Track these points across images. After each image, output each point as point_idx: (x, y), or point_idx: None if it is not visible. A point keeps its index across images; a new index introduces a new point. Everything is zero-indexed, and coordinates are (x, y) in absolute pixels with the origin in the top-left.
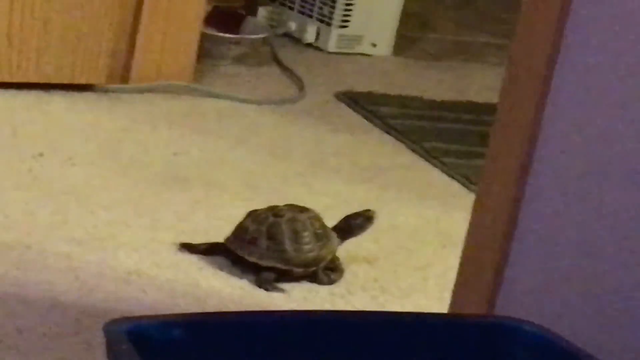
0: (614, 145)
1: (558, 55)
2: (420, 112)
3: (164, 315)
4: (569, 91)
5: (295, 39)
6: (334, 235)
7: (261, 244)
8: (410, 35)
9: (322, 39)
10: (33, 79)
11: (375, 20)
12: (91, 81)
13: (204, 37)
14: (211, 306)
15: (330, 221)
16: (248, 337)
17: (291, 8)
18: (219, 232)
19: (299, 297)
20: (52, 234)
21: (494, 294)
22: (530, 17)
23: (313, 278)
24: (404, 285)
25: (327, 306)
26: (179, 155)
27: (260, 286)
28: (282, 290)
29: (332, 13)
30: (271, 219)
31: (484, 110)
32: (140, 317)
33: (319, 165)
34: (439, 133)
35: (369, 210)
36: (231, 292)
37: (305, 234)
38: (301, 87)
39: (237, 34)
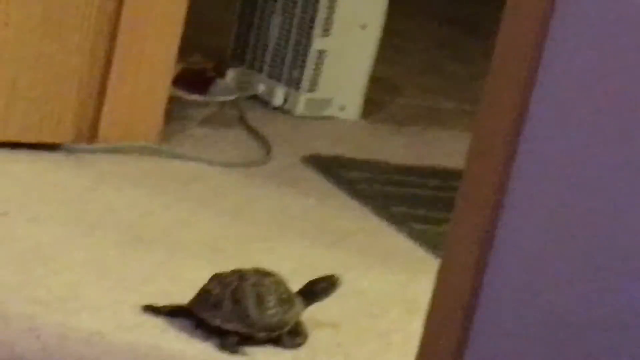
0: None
1: (524, 122)
2: (387, 177)
3: None
4: (535, 160)
5: (263, 102)
6: (298, 299)
7: (225, 307)
8: (379, 99)
9: (290, 102)
10: None
11: (343, 84)
12: (58, 140)
13: (172, 98)
14: None
15: (295, 285)
16: None
17: (260, 71)
18: (183, 295)
19: None
20: (14, 294)
21: (458, 359)
22: (496, 86)
23: (277, 342)
24: (368, 350)
25: None
26: (144, 217)
27: (223, 349)
28: (245, 354)
29: (300, 76)
30: (235, 282)
31: (451, 176)
32: None
33: (285, 228)
34: (406, 198)
35: (333, 275)
36: (194, 356)
37: (270, 298)
38: (268, 150)
39: (205, 95)
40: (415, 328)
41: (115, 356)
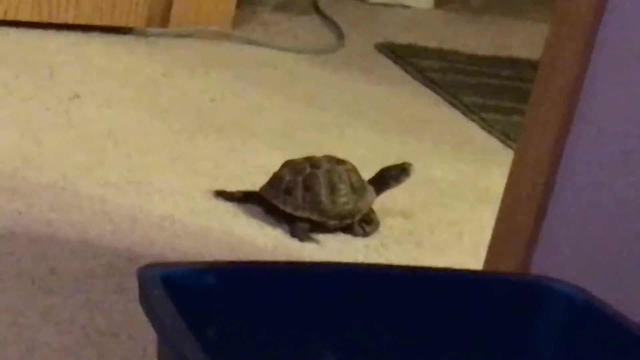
0: None
1: (604, 12)
2: (460, 66)
3: (198, 262)
4: (614, 48)
5: None
6: (370, 188)
7: (297, 195)
8: None
9: None
10: (72, 20)
11: None
12: (130, 24)
13: None
14: (244, 254)
15: (367, 173)
16: (281, 287)
17: None
18: (254, 181)
19: (332, 248)
20: (87, 177)
21: (530, 251)
22: None
23: (348, 230)
24: (439, 240)
25: (361, 258)
26: (216, 102)
27: (294, 236)
28: (316, 241)
29: None
30: (308, 169)
31: (524, 66)
32: (174, 263)
33: (356, 116)
34: (478, 88)
35: (405, 162)
36: (265, 241)
37: (342, 186)
38: (341, 37)
39: None
40: (486, 218)
41: (186, 240)
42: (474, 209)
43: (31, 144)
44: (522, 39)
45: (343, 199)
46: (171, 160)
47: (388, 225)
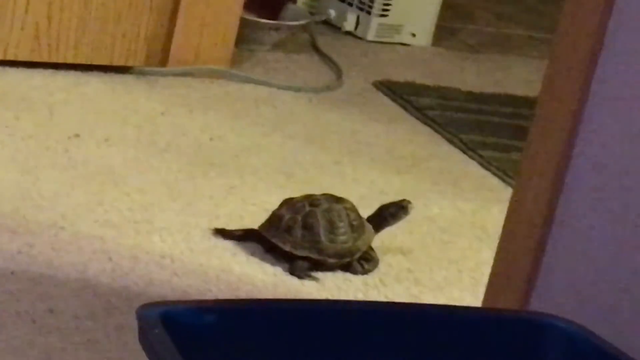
0: None
1: (601, 49)
2: (459, 104)
3: (197, 301)
4: (612, 86)
5: (334, 27)
6: (369, 226)
7: (296, 233)
8: (450, 26)
9: (361, 27)
10: (71, 59)
11: (415, 10)
12: (129, 63)
13: (243, 22)
14: (244, 292)
15: (365, 211)
16: (281, 324)
17: None
18: (254, 219)
19: (332, 286)
20: (86, 216)
21: (529, 289)
22: (573, 11)
23: (347, 268)
24: (438, 277)
25: (360, 296)
26: (215, 140)
27: (293, 274)
28: (315, 279)
29: (372, 1)
30: (307, 208)
31: (522, 104)
32: (174, 302)
33: (355, 154)
34: (477, 125)
35: (404, 200)
36: (264, 280)
37: (341, 224)
38: (339, 75)
39: (276, 20)
40: (485, 256)
41: (186, 279)
42: (472, 246)
43: (31, 183)
44: (520, 76)
45: (342, 238)
46: (170, 198)
47: (387, 262)
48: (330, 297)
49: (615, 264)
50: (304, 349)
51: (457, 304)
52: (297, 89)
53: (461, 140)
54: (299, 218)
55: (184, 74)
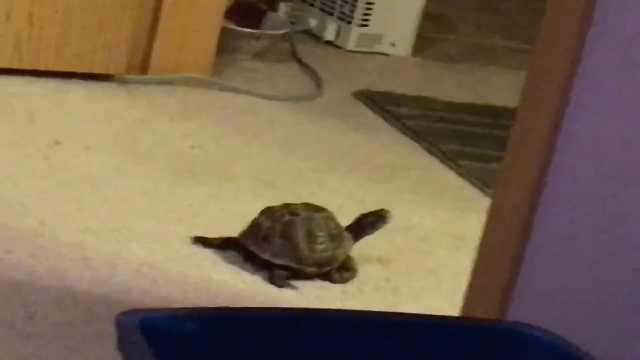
0: (633, 151)
1: (579, 61)
2: (438, 114)
3: (176, 309)
4: (590, 97)
5: (315, 36)
6: (348, 235)
7: (275, 242)
8: (430, 36)
9: (341, 37)
10: (52, 67)
11: (395, 20)
12: (110, 71)
13: (224, 31)
14: (222, 301)
15: (344, 220)
16: (259, 333)
17: (312, 5)
18: (233, 227)
19: (310, 295)
20: (66, 223)
21: (507, 298)
22: (552, 22)
23: (326, 277)
24: (416, 286)
25: (339, 305)
26: (195, 148)
27: (272, 283)
28: (294, 288)
29: (352, 11)
30: (286, 217)
31: (501, 114)
32: (152, 310)
33: (334, 163)
34: (456, 135)
35: (383, 209)
36: (243, 288)
37: (320, 234)
38: (319, 84)
39: (257, 29)
40: (463, 265)
41: (164, 286)
42: (451, 255)
43: (11, 190)
44: (500, 87)
45: (321, 247)
46: (150, 206)
47: (366, 271)
48: (308, 306)
49: (594, 274)
50: (282, 358)
51: (435, 313)
52: (278, 98)
53: (440, 150)
54: (278, 227)
55: (165, 82)
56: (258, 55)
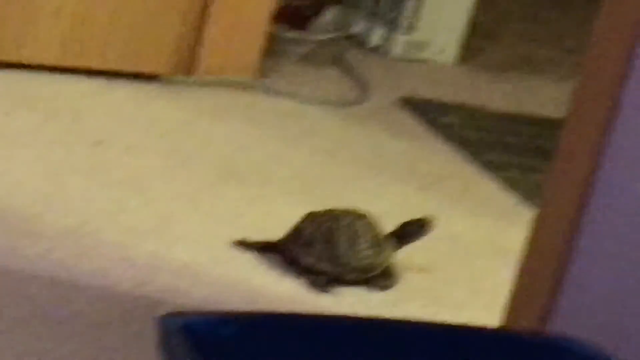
0: None
1: (630, 73)
2: (482, 123)
3: (217, 312)
4: (639, 111)
5: (360, 42)
6: (390, 242)
7: (317, 247)
8: (476, 44)
9: (387, 43)
10: (98, 66)
11: (442, 28)
12: (156, 71)
13: (270, 35)
14: (262, 304)
15: (387, 227)
16: (299, 338)
17: (358, 10)
18: (274, 231)
19: (350, 301)
20: (108, 222)
21: (548, 310)
22: (602, 34)
23: (367, 283)
24: (457, 295)
25: (378, 312)
26: (238, 151)
27: (312, 288)
28: (334, 294)
29: (399, 18)
30: (329, 222)
31: (546, 125)
32: (194, 312)
33: (378, 170)
34: (500, 145)
35: (426, 217)
36: (283, 292)
37: (362, 240)
38: (364, 90)
39: (303, 33)
40: (504, 276)
41: (205, 288)
42: (492, 266)
43: (54, 188)
44: (543, 98)
45: (363, 253)
46: (193, 208)
47: (406, 279)
48: (347, 313)
49: (636, 290)
50: None
51: (474, 323)
52: (322, 103)
53: (484, 160)
54: (320, 232)
55: (210, 84)
56: (303, 60)
